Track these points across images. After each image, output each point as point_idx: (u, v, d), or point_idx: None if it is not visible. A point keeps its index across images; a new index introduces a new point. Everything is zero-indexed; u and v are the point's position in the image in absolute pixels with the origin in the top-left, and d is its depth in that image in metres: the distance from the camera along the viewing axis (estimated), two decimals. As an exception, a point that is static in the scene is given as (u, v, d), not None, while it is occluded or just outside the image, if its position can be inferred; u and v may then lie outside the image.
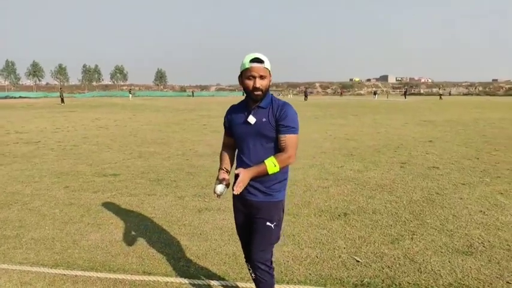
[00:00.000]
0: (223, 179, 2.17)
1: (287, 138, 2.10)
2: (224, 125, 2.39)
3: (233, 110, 2.33)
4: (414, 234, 3.82)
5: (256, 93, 2.10)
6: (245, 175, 2.02)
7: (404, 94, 59.36)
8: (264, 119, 2.13)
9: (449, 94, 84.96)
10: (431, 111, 23.87)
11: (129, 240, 3.75)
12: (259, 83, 2.08)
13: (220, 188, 2.12)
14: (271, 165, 2.05)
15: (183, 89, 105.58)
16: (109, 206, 4.82)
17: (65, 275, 3.02)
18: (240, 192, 2.18)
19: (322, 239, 3.74)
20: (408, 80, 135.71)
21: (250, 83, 2.09)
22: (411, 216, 4.34)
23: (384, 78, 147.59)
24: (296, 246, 3.58)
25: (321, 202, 4.92)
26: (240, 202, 2.31)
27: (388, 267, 3.16)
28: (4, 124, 15.47)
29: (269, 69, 2.13)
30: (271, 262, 2.26)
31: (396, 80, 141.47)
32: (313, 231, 3.96)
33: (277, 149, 2.15)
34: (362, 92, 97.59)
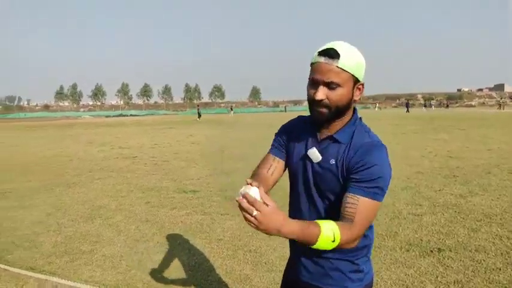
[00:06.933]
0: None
1: (360, 203, 1.20)
2: (274, 143, 1.50)
3: (295, 127, 1.47)
4: (532, 285, 3.00)
5: (318, 109, 1.26)
6: (280, 217, 1.09)
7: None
8: (332, 161, 1.30)
9: None
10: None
11: (191, 264, 3.57)
12: (324, 94, 1.23)
13: (253, 191, 1.11)
14: (329, 233, 1.13)
15: (276, 105, 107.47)
16: (181, 224, 4.75)
17: (118, 300, 2.92)
18: (292, 271, 1.48)
19: (407, 281, 3.14)
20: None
21: (311, 91, 1.27)
22: (528, 259, 3.47)
23: (500, 87, 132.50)
24: None
25: (411, 233, 4.23)
26: (291, 285, 1.53)
27: (493, 328, 2.47)
28: (112, 140, 17.04)
29: (350, 71, 1.23)
30: None
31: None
32: (397, 269, 3.36)
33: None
34: (473, 103, 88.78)
